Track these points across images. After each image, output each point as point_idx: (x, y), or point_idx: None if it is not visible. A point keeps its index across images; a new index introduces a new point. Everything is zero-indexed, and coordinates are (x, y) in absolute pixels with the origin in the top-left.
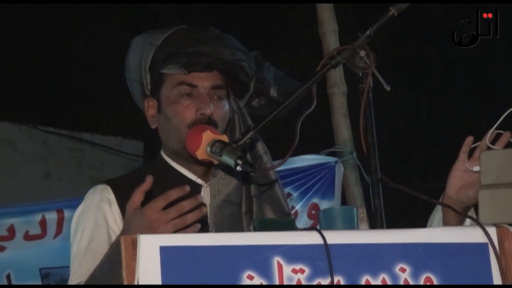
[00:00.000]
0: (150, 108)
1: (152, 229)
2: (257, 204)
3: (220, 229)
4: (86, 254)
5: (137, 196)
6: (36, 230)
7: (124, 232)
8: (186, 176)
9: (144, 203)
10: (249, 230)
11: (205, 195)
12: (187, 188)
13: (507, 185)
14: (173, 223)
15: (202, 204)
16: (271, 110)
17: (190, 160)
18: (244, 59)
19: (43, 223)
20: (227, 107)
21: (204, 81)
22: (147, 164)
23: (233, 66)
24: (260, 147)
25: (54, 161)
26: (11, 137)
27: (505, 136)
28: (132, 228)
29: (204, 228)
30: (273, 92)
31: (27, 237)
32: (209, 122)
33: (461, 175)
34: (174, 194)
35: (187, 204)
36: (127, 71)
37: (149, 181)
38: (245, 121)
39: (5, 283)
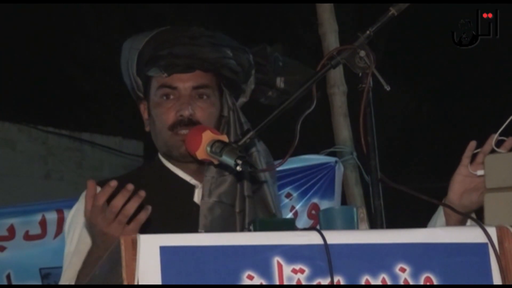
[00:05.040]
0: (144, 111)
1: (104, 234)
2: (250, 204)
3: (210, 230)
4: (74, 255)
5: (88, 203)
6: (36, 230)
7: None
8: (179, 177)
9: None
10: (242, 230)
11: (199, 195)
12: (130, 187)
13: None
14: (117, 220)
15: (137, 190)
16: (281, 101)
17: (181, 160)
18: (229, 56)
19: (43, 223)
20: (215, 105)
21: (185, 82)
22: (146, 164)
23: (215, 64)
24: (255, 145)
25: (54, 161)
26: (11, 137)
27: (509, 141)
28: (95, 238)
29: (193, 229)
30: (279, 83)
31: (27, 237)
32: (189, 123)
33: (464, 179)
34: (103, 196)
35: (117, 201)
36: (123, 75)
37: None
38: (239, 119)
39: (5, 283)
